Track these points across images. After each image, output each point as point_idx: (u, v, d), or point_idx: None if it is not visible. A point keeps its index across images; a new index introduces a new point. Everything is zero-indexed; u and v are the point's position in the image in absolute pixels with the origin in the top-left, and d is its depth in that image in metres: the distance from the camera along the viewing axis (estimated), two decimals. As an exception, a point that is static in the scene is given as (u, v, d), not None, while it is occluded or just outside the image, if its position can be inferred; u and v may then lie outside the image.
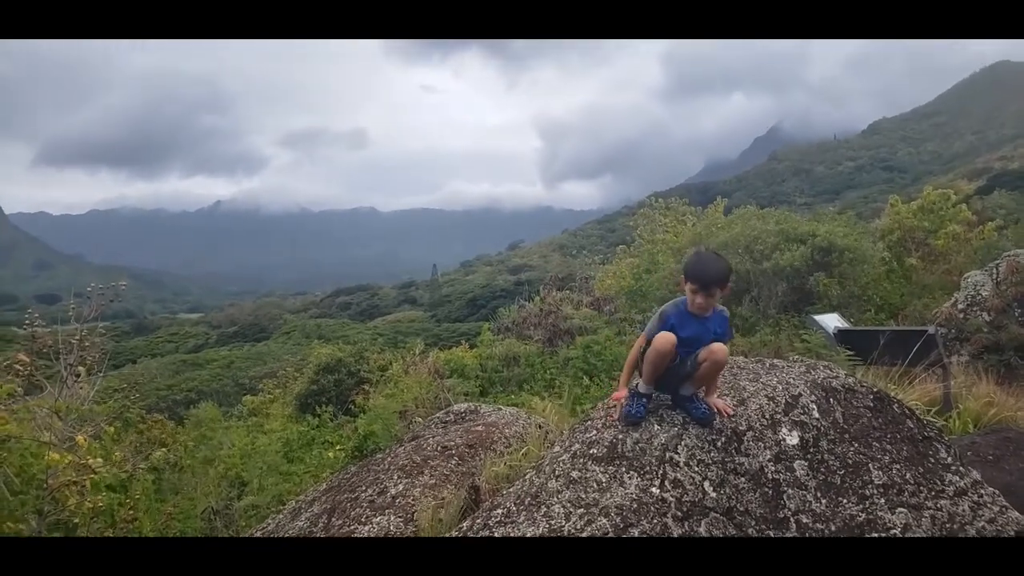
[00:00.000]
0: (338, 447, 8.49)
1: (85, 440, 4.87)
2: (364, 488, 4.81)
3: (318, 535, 4.51)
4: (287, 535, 4.80)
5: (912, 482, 3.27)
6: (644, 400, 3.42)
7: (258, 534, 5.30)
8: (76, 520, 4.45)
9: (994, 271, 12.26)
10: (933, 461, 3.44)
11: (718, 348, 3.26)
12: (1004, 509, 3.26)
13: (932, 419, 5.15)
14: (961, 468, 3.45)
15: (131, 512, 5.09)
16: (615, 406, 3.59)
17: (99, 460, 4.80)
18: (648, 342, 3.38)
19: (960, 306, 12.06)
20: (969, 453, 4.74)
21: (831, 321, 9.29)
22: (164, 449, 8.04)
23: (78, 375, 5.88)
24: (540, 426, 4.96)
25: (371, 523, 4.34)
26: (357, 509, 4.55)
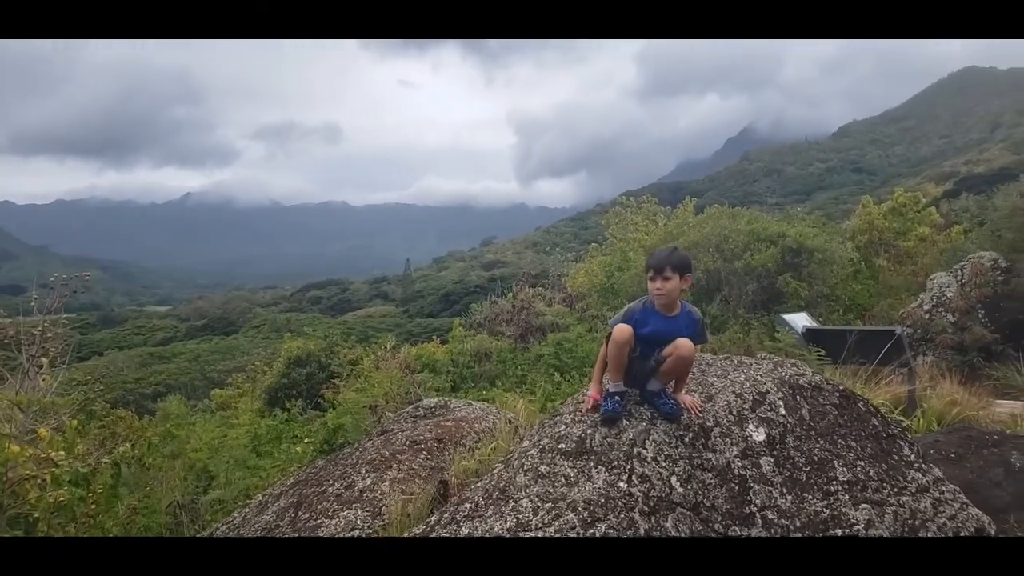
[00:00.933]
0: (306, 441, 8.42)
1: (47, 433, 4.76)
2: (331, 482, 4.76)
3: (284, 529, 4.46)
4: (253, 529, 4.74)
5: (876, 479, 3.30)
6: (617, 398, 3.41)
7: (224, 528, 5.23)
8: (36, 515, 4.34)
9: (959, 273, 12.50)
10: (896, 458, 3.49)
11: (683, 343, 3.27)
12: (964, 506, 3.31)
13: (897, 418, 5.23)
14: (924, 465, 3.50)
15: (93, 507, 4.98)
16: (583, 401, 3.59)
17: (61, 453, 4.70)
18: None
19: (926, 307, 12.28)
20: (932, 451, 4.81)
21: (800, 320, 9.40)
22: (128, 444, 7.89)
23: (40, 367, 5.75)
24: (510, 421, 4.95)
25: (338, 517, 4.30)
26: (324, 503, 4.50)
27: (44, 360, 5.80)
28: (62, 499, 4.44)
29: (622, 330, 3.27)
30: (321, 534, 4.18)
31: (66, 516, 4.52)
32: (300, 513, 4.55)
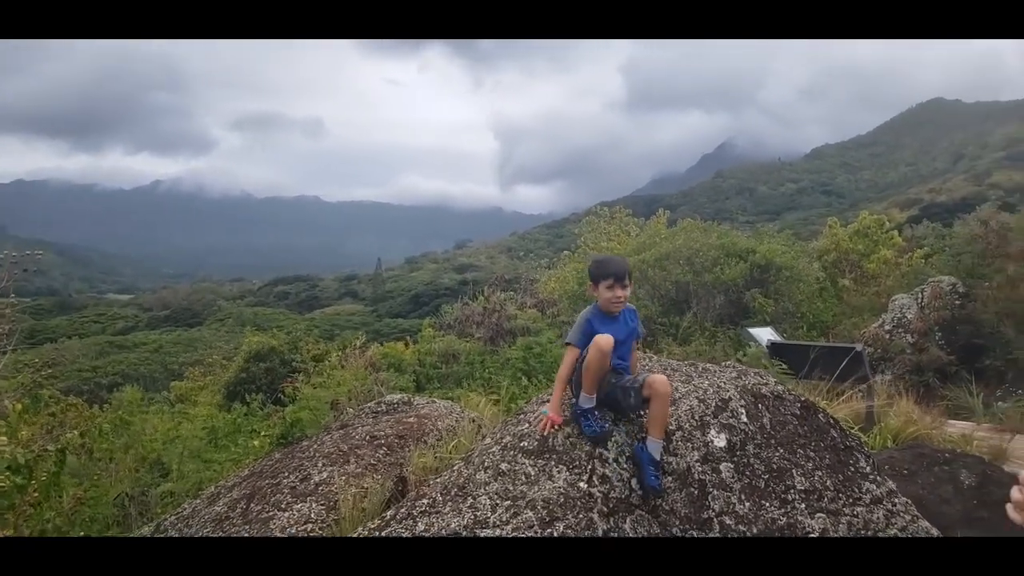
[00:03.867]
0: (264, 435, 8.27)
1: (-12, 416, 4.58)
2: (287, 474, 4.68)
3: (235, 520, 4.36)
4: (203, 520, 4.63)
5: (832, 489, 3.33)
6: (597, 413, 3.30)
7: (173, 519, 5.11)
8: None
9: (919, 295, 12.76)
10: (853, 470, 3.52)
11: (657, 382, 3.18)
12: (915, 518, 3.36)
13: (856, 433, 5.29)
14: (878, 478, 3.54)
15: (35, 495, 4.79)
16: (541, 420, 3.44)
17: (3, 439, 4.52)
18: (578, 352, 3.30)
19: (887, 327, 12.51)
20: (887, 467, 4.88)
21: (765, 335, 9.51)
22: (77, 432, 7.65)
23: (-17, 348, 5.55)
24: (473, 420, 4.91)
25: (291, 509, 4.21)
26: (278, 495, 4.42)
27: (-12, 342, 5.59)
28: (2, 486, 4.26)
29: (607, 339, 3.18)
30: (273, 526, 4.10)
31: (4, 504, 4.33)
32: (252, 505, 4.46)
